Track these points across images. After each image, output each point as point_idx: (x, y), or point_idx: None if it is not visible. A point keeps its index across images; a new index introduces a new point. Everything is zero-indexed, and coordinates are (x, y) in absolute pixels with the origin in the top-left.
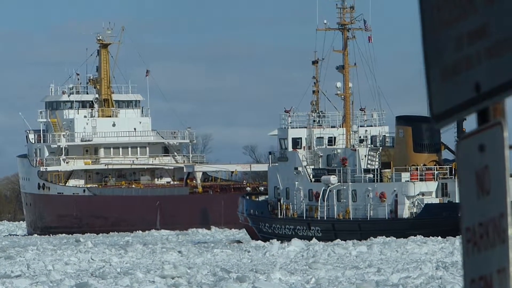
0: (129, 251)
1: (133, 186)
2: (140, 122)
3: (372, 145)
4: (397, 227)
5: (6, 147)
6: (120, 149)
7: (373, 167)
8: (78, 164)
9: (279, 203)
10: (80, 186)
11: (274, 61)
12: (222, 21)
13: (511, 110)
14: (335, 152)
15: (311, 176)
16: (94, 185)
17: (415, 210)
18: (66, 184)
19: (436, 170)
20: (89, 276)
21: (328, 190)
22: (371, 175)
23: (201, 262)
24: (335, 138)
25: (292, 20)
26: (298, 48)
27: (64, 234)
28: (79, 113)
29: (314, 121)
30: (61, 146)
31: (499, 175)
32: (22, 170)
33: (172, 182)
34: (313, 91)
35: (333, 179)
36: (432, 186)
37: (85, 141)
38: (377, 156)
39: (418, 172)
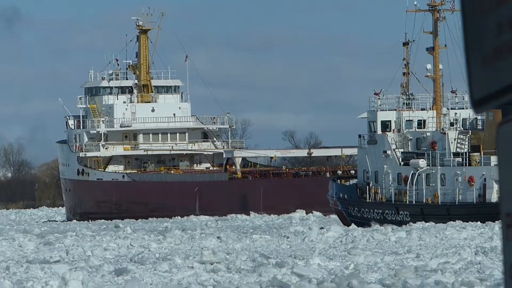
0: (168, 237)
1: (172, 171)
2: (180, 108)
3: (462, 128)
4: (485, 212)
5: (46, 133)
6: (159, 134)
7: (462, 150)
8: (117, 149)
9: (367, 187)
10: (119, 172)
11: (316, 49)
12: (264, 8)
13: None
14: (425, 135)
15: (400, 160)
16: (133, 171)
17: None
18: (106, 170)
19: None
20: (128, 261)
21: (417, 174)
22: (460, 159)
23: (240, 248)
24: (424, 121)
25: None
26: (341, 35)
27: (103, 220)
28: (118, 99)
29: (404, 103)
30: (100, 132)
31: None
32: (61, 156)
33: (211, 168)
34: (403, 73)
35: (422, 162)
36: None
37: (124, 126)
38: (467, 140)
39: None
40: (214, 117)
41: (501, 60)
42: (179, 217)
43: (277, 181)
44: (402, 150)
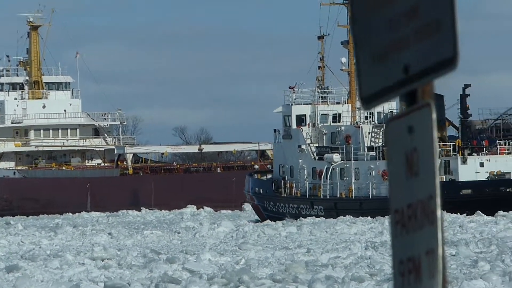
0: (59, 234)
1: (63, 168)
2: (71, 104)
3: (376, 122)
4: None
5: None
6: (51, 131)
7: (377, 144)
8: (8, 146)
9: (283, 181)
10: (10, 168)
11: (206, 42)
12: (160, 1)
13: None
14: (339, 130)
15: (314, 154)
16: (24, 167)
17: None
18: None
19: (439, 148)
20: (19, 258)
21: (331, 169)
22: (374, 153)
23: (131, 244)
24: (340, 114)
25: None
26: (240, 29)
27: None
28: (9, 95)
29: (320, 97)
30: None
31: (428, 156)
32: None
33: (102, 164)
34: (319, 67)
35: (336, 157)
36: None
37: (15, 123)
38: (381, 133)
39: None
40: (105, 114)
41: (389, 58)
42: (70, 214)
43: (168, 177)
44: (317, 144)
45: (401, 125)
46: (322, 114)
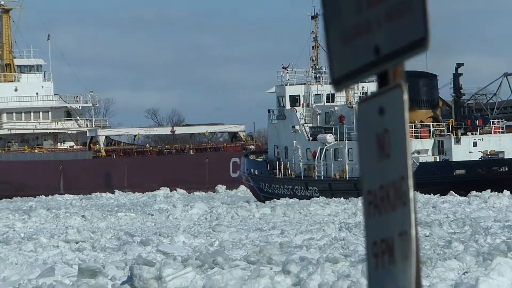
0: (32, 216)
1: (36, 150)
2: (43, 87)
3: None
4: None
5: None
6: (23, 114)
7: None
8: None
9: (277, 162)
10: None
11: (183, 27)
12: None
13: None
14: (333, 110)
15: (308, 135)
16: None
17: None
18: None
19: (433, 127)
20: None
21: (325, 149)
22: None
23: (105, 226)
24: (333, 95)
25: None
26: (209, 12)
27: None
28: None
29: (314, 77)
30: None
31: (399, 138)
32: None
33: (75, 147)
34: (313, 47)
35: (330, 137)
36: (428, 143)
37: None
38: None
39: (413, 129)
40: (77, 96)
41: (359, 38)
42: (43, 196)
43: (141, 159)
44: (311, 125)
45: (372, 106)
46: (316, 94)
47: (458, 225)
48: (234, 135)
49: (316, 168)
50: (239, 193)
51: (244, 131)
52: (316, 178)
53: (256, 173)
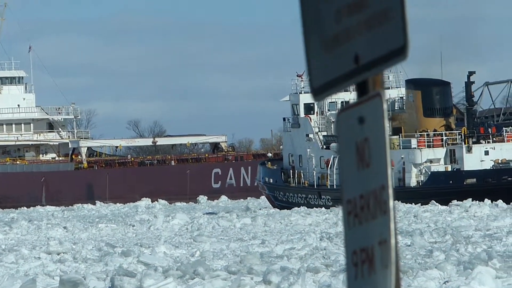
0: (14, 228)
1: (18, 162)
2: (24, 99)
3: None
4: (406, 196)
5: None
6: (4, 125)
7: None
8: None
9: (291, 171)
10: None
11: (171, 35)
12: None
13: None
14: None
15: (322, 143)
16: None
17: (422, 179)
18: None
19: (445, 136)
20: None
21: (337, 158)
22: None
23: (86, 238)
24: (348, 102)
25: None
26: (192, 20)
27: None
28: None
29: None
30: None
31: (379, 147)
32: None
33: (57, 158)
34: None
35: None
36: (440, 153)
37: None
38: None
39: (426, 138)
40: (59, 108)
41: (338, 47)
42: (25, 208)
43: (123, 170)
44: (325, 133)
45: (351, 115)
46: (330, 102)
47: (439, 234)
48: (215, 146)
49: (329, 176)
50: (220, 203)
51: (225, 141)
52: (329, 187)
53: (271, 181)
